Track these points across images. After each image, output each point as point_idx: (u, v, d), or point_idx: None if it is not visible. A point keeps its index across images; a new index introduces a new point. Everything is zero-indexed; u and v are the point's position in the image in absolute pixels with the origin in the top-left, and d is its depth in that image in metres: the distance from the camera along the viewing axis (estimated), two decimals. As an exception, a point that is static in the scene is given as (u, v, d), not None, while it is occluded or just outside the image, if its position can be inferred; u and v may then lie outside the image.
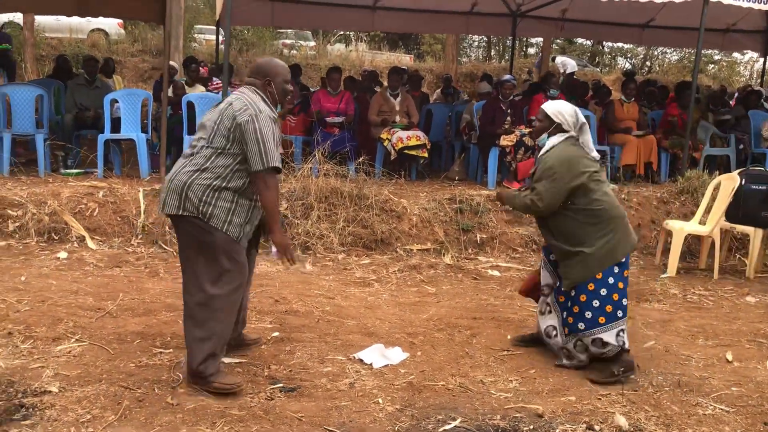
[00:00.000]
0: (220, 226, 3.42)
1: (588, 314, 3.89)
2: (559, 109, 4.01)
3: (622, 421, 3.32)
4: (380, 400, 3.50)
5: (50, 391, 3.37)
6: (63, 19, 17.69)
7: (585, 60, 26.42)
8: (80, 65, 9.19)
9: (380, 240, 6.57)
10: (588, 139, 4.02)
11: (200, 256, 3.47)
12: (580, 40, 27.92)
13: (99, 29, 19.00)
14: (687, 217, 7.16)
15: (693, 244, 6.96)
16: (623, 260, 3.95)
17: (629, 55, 29.44)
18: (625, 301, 3.96)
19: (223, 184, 3.42)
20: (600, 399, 3.62)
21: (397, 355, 4.10)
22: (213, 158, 3.43)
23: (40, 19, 16.84)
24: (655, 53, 28.46)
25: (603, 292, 3.88)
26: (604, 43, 27.82)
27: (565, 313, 4.01)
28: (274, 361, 3.93)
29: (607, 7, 10.03)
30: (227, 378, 3.53)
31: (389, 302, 5.19)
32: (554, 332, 4.10)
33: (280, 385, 3.61)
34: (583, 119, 4.02)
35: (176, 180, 3.45)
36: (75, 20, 17.88)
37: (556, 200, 3.87)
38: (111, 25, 19.06)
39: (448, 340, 4.43)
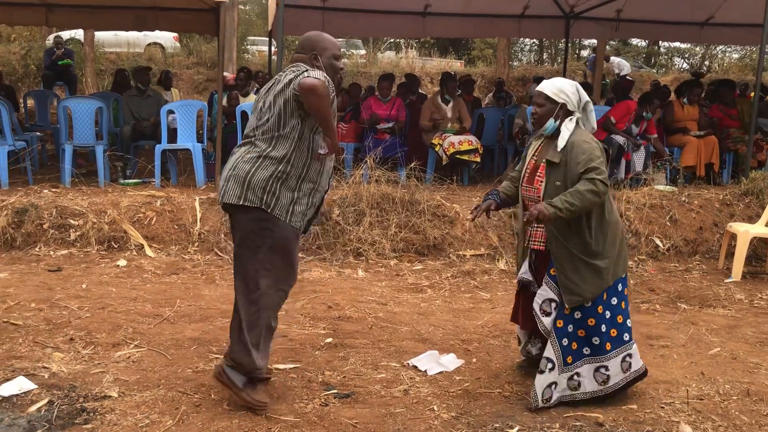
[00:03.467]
0: (284, 217, 3.29)
1: (595, 340, 3.48)
2: (559, 87, 3.48)
3: (687, 430, 3.19)
4: (435, 408, 3.45)
5: (110, 396, 3.43)
6: (121, 34, 18.27)
7: (640, 61, 25.84)
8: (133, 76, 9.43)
9: (433, 246, 6.52)
10: (593, 118, 3.56)
11: (256, 250, 3.34)
12: (635, 41, 27.36)
13: (155, 43, 19.51)
14: (752, 219, 6.90)
15: (759, 247, 6.70)
16: (624, 276, 3.56)
17: (687, 55, 28.68)
18: (629, 322, 3.56)
19: (287, 169, 3.27)
20: (663, 408, 3.50)
21: (451, 361, 4.04)
22: (272, 143, 3.28)
23: (100, 35, 17.39)
24: (715, 52, 27.65)
25: (608, 314, 3.48)
26: (660, 43, 27.16)
27: (565, 340, 3.47)
28: (328, 367, 3.92)
29: (663, 6, 9.79)
30: (257, 394, 3.37)
31: (443, 308, 5.13)
32: (549, 365, 3.48)
33: (335, 391, 3.59)
34: (586, 96, 3.54)
35: (238, 168, 3.29)
36: (132, 35, 18.44)
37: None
38: (167, 38, 19.55)
39: (504, 347, 4.35)
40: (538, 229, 3.56)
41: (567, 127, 3.46)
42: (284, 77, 3.31)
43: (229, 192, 3.31)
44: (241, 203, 3.27)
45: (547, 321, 3.48)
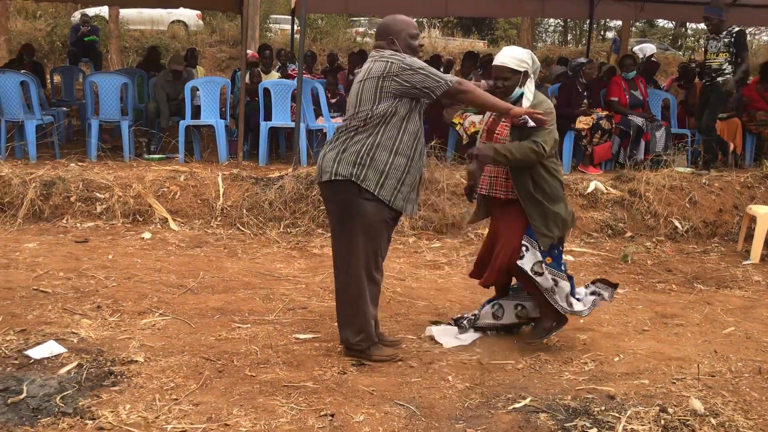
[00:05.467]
0: (372, 188, 3.44)
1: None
2: (520, 57, 3.78)
3: (697, 404, 3.25)
4: (450, 378, 3.54)
5: (136, 361, 3.56)
6: (145, 12, 18.41)
7: (666, 43, 25.49)
8: (168, 63, 9.47)
9: (451, 224, 6.59)
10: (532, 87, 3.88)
11: (345, 227, 3.54)
12: (661, 23, 27.02)
13: (179, 21, 19.63)
14: (773, 202, 6.88)
15: (779, 230, 6.68)
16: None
17: (714, 37, 28.18)
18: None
19: (377, 140, 3.44)
20: (675, 383, 3.55)
21: (469, 335, 4.12)
22: (364, 123, 3.45)
23: (124, 12, 17.53)
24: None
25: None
26: (687, 24, 26.76)
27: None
28: (347, 338, 4.01)
29: (689, -14, 9.63)
30: (385, 351, 3.72)
31: (460, 285, 5.21)
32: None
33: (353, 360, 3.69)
34: (537, 62, 3.86)
35: (328, 153, 3.54)
36: (156, 12, 18.58)
37: (553, 147, 3.75)
38: (190, 16, 19.65)
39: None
40: (500, 179, 3.84)
41: (529, 89, 3.79)
42: (374, 68, 3.46)
43: (323, 171, 3.55)
44: (331, 179, 3.48)
45: (541, 280, 3.78)
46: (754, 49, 24.94)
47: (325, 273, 5.26)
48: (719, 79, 7.58)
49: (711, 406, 3.29)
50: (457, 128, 8.47)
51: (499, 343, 4.05)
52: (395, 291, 4.93)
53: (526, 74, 3.77)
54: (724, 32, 7.55)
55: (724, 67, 7.55)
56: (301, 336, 4.01)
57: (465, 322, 4.13)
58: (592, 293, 4.05)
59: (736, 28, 7.61)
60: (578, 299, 3.97)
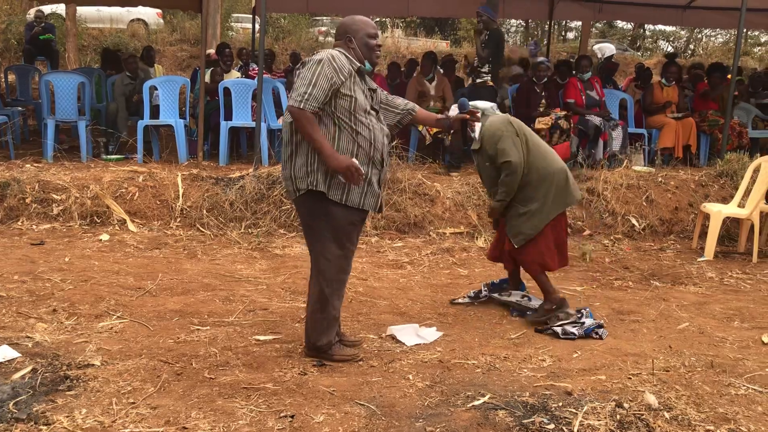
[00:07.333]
0: (338, 198, 3.47)
1: None
2: (475, 104, 4.42)
3: (651, 399, 3.32)
4: (410, 377, 3.55)
5: (93, 365, 3.50)
6: (104, 10, 18.06)
7: (625, 44, 25.94)
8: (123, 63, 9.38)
9: (413, 224, 6.62)
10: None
11: (314, 232, 3.59)
12: (620, 24, 27.49)
13: (138, 19, 19.31)
14: (726, 200, 7.04)
15: (732, 227, 6.85)
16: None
17: (671, 38, 28.82)
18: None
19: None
20: (630, 378, 3.62)
21: (431, 334, 4.14)
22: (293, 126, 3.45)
23: (82, 10, 17.18)
24: (699, 36, 27.81)
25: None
26: (645, 26, 27.26)
27: None
28: (308, 338, 4.00)
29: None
30: (345, 351, 3.74)
31: (421, 284, 5.24)
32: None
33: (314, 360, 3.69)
34: (488, 104, 4.53)
35: (284, 172, 3.57)
36: (115, 11, 18.24)
37: (522, 156, 4.28)
38: (150, 15, 19.35)
39: (480, 321, 4.47)
40: None
41: (478, 127, 4.41)
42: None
43: (288, 189, 3.64)
44: (296, 196, 3.57)
45: None
46: (708, 51, 25.53)
47: (287, 274, 5.24)
48: (477, 80, 7.76)
49: (665, 400, 3.36)
50: (419, 128, 8.50)
51: (459, 341, 4.09)
52: (357, 291, 4.93)
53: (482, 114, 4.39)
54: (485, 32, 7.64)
55: (479, 66, 7.69)
56: (262, 337, 3.99)
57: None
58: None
59: (494, 29, 7.71)
60: None
